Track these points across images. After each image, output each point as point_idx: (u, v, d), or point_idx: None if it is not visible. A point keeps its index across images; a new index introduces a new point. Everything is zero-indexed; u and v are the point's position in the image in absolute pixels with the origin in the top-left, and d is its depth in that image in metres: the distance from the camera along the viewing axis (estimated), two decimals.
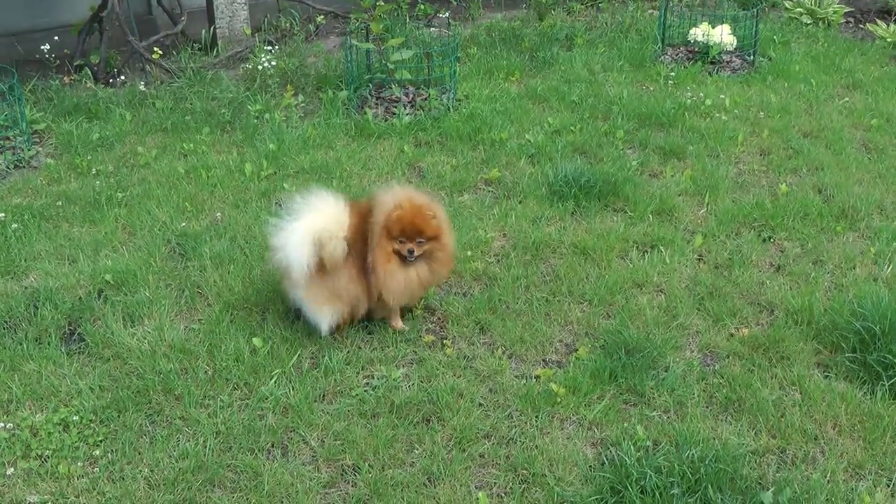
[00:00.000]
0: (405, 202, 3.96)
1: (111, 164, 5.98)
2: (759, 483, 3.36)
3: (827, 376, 3.94)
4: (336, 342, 4.13)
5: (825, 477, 3.39)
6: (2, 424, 3.62)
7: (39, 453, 3.53)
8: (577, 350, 4.08)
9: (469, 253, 4.82)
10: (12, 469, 3.45)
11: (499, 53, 8.12)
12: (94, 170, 5.88)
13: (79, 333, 4.25)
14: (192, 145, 6.19)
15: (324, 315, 4.03)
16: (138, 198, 5.46)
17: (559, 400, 3.76)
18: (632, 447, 3.49)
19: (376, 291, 4.04)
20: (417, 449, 3.54)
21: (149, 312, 4.37)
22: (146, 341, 4.15)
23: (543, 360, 4.07)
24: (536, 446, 3.54)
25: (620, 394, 3.82)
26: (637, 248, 4.93)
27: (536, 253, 4.85)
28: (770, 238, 5.05)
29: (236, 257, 4.78)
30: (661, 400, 3.79)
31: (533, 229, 5.07)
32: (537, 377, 3.92)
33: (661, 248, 4.90)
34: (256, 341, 4.08)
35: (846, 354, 4.00)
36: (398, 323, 4.24)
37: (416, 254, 3.98)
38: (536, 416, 3.70)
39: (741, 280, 4.62)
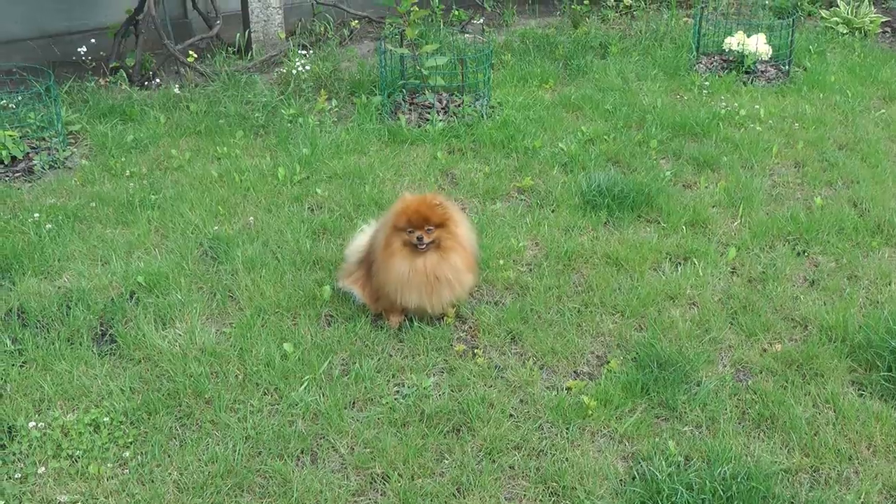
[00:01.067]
0: (408, 197, 4.07)
1: (145, 167, 6.00)
2: (792, 503, 3.32)
3: (861, 395, 3.88)
4: (367, 348, 4.13)
5: (859, 498, 3.34)
6: (33, 423, 3.64)
7: (70, 453, 3.54)
8: (609, 362, 4.05)
9: (501, 262, 4.79)
10: (43, 468, 3.46)
11: (533, 60, 8.10)
12: (127, 172, 5.91)
13: (110, 334, 4.27)
14: (225, 149, 6.21)
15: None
16: (171, 200, 5.48)
17: (590, 412, 3.72)
18: (663, 462, 3.45)
19: (377, 283, 4.16)
20: (447, 459, 3.52)
21: (180, 315, 4.38)
22: (177, 344, 4.16)
23: (575, 372, 4.03)
24: (567, 459, 3.51)
25: (652, 408, 3.79)
26: (670, 259, 4.89)
27: (569, 263, 4.82)
28: (804, 252, 4.99)
29: (268, 262, 4.78)
30: (693, 415, 3.74)
31: (565, 239, 5.04)
32: (568, 389, 3.89)
33: (695, 260, 4.85)
34: (287, 346, 4.08)
35: (881, 373, 3.94)
36: (393, 319, 4.27)
37: (426, 241, 3.99)
38: (567, 429, 3.67)
39: (775, 294, 4.57)
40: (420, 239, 3.99)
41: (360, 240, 4.49)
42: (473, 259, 4.21)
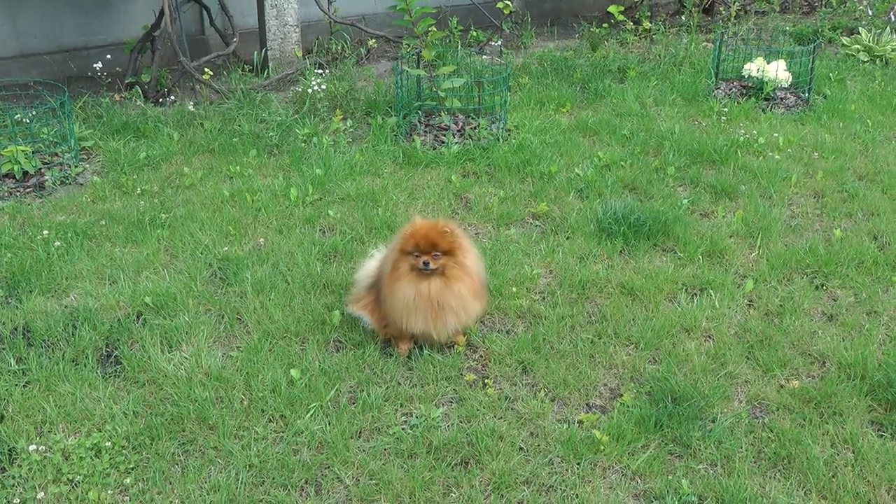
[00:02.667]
0: (418, 221, 4.02)
1: (156, 184, 5.98)
2: None
3: (882, 435, 3.79)
4: (375, 376, 4.07)
5: None
6: (34, 447, 3.59)
7: (70, 478, 3.48)
8: (622, 395, 3.97)
9: (514, 289, 4.73)
10: (43, 493, 3.40)
11: (550, 84, 8.06)
12: (139, 189, 5.89)
13: (116, 356, 4.22)
14: (238, 168, 6.18)
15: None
16: (182, 219, 5.45)
17: (602, 447, 3.64)
18: (676, 501, 3.37)
19: (384, 309, 4.13)
20: (455, 493, 3.45)
21: (187, 338, 4.33)
22: (183, 367, 4.11)
23: (587, 405, 3.96)
24: (577, 496, 3.43)
25: (665, 444, 3.70)
26: (686, 290, 4.82)
27: (583, 292, 4.76)
28: (823, 286, 4.90)
29: (278, 285, 4.74)
30: (707, 452, 3.66)
31: (580, 267, 4.97)
32: (580, 422, 3.81)
33: (711, 291, 4.78)
34: (294, 373, 4.03)
35: None
36: (402, 346, 4.22)
37: (431, 266, 3.94)
38: (578, 464, 3.59)
39: (792, 329, 4.48)
40: (426, 264, 3.94)
41: (371, 264, 4.44)
42: (481, 287, 4.15)
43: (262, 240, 5.25)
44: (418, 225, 3.99)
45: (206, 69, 7.49)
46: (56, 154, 6.29)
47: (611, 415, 3.86)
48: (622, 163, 6.38)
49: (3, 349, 4.24)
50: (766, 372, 4.18)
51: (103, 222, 5.41)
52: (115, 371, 4.11)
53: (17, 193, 5.84)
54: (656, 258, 5.14)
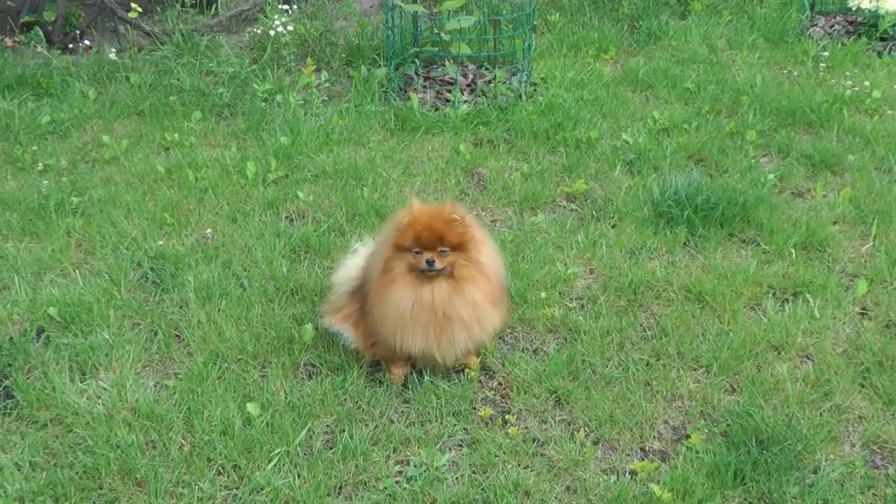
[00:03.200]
0: (416, 206, 3.97)
1: (65, 158, 5.97)
2: None
3: None
4: (360, 411, 4.05)
5: None
6: None
7: None
8: (689, 436, 3.93)
9: (543, 294, 4.72)
10: None
11: (588, 22, 8.05)
12: (40, 164, 5.89)
13: (6, 387, 4.19)
14: (176, 135, 6.19)
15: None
16: (100, 204, 5.43)
17: None
18: None
19: (372, 321, 4.10)
20: None
21: (106, 361, 4.30)
22: (100, 401, 4.07)
23: (641, 450, 3.92)
24: None
25: (750, 503, 3.65)
26: (774, 295, 4.79)
27: (634, 297, 4.74)
28: None
29: (230, 290, 4.73)
30: None
31: (630, 264, 4.96)
32: (633, 473, 3.77)
33: (808, 296, 4.74)
34: (252, 408, 4.00)
35: None
36: (395, 370, 4.23)
37: (438, 266, 3.89)
38: None
39: None
40: (431, 263, 3.88)
41: (354, 263, 4.41)
42: (500, 292, 4.12)
43: (209, 231, 5.26)
44: (418, 212, 3.93)
45: (132, 4, 7.45)
46: None
47: (674, 463, 3.82)
48: (685, 126, 6.37)
49: None
50: (889, 404, 4.12)
51: None
52: (5, 408, 4.07)
53: None
54: (732, 252, 5.12)
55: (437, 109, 6.53)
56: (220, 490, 3.69)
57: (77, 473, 3.73)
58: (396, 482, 3.72)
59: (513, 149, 6.12)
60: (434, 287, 3.93)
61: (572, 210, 5.50)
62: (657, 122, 6.41)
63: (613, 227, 5.32)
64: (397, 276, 3.95)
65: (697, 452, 3.85)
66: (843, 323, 4.61)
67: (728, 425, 3.99)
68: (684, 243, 5.18)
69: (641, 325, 4.60)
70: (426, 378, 4.17)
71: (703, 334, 4.52)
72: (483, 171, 5.85)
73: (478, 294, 3.98)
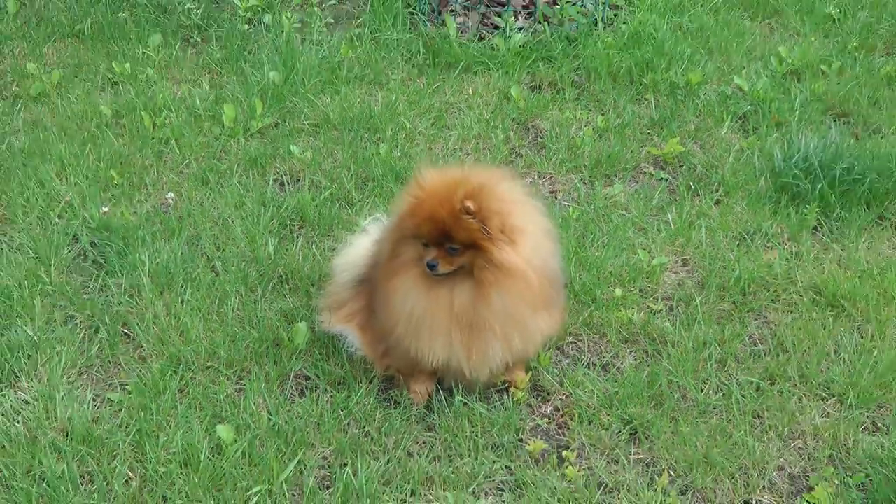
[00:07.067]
0: (429, 178, 3.91)
1: None
2: None
3: None
4: (368, 440, 4.10)
5: None
6: None
7: None
8: (812, 489, 3.97)
9: (618, 292, 4.77)
10: None
11: None
12: None
13: None
14: (127, 66, 6.26)
15: None
16: (23, 156, 5.53)
17: None
18: None
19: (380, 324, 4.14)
20: None
21: (29, 367, 4.40)
22: (20, 418, 4.17)
23: (745, 503, 4.01)
24: None
25: None
26: None
27: (743, 300, 4.80)
28: None
29: (198, 276, 4.81)
30: None
31: (738, 255, 5.01)
32: None
33: None
34: (224, 431, 4.06)
35: None
36: (415, 387, 4.28)
37: (441, 271, 3.88)
38: None
39: None
40: (432, 266, 3.87)
41: (361, 245, 4.47)
42: (552, 289, 4.11)
43: (170, 195, 5.33)
44: (429, 188, 3.90)
45: None
46: None
47: None
48: (823, 67, 6.39)
49: None
50: None
51: None
52: None
53: None
54: (882, 242, 5.16)
55: (481, 39, 6.58)
56: None
57: None
58: None
59: (583, 95, 6.17)
60: (454, 288, 3.94)
61: (661, 179, 5.56)
62: (784, 61, 6.42)
63: (717, 203, 5.37)
64: (406, 264, 3.98)
65: None
66: None
67: (867, 475, 4.02)
68: (814, 228, 5.22)
69: (751, 337, 4.64)
70: (457, 398, 4.21)
71: (835, 352, 4.56)
72: (542, 125, 5.90)
73: (510, 299, 3.93)
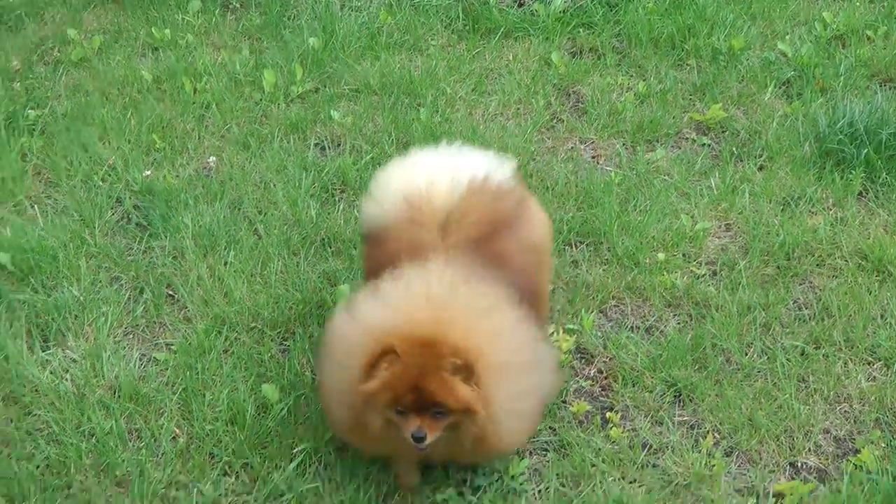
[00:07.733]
0: (397, 334, 3.38)
1: (17, 58, 6.08)
2: None
3: None
4: None
5: None
6: None
7: None
8: (858, 451, 3.98)
9: (661, 256, 4.78)
10: None
11: None
12: None
13: None
14: (167, 32, 6.29)
15: None
16: (66, 120, 5.55)
17: None
18: None
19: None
20: None
21: (76, 326, 4.42)
22: (68, 376, 4.20)
23: (791, 465, 3.99)
24: None
25: None
26: None
27: (787, 264, 4.79)
28: None
29: (241, 238, 4.84)
30: None
31: (783, 220, 5.01)
32: (778, 496, 3.84)
33: None
34: (269, 390, 4.09)
35: None
36: (403, 478, 3.87)
37: (430, 440, 3.44)
38: None
39: None
40: (419, 440, 3.43)
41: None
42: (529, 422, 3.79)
43: (212, 159, 5.36)
44: (401, 348, 3.34)
45: None
46: None
47: (836, 485, 3.87)
48: (869, 32, 6.38)
49: None
50: None
51: None
52: None
53: None
54: None
55: (521, 5, 6.57)
56: (226, 495, 3.80)
57: (38, 467, 3.84)
58: (460, 494, 3.80)
59: (624, 60, 6.18)
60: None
61: (704, 145, 5.56)
62: (828, 26, 6.41)
63: (761, 168, 5.37)
64: (375, 433, 3.53)
65: (870, 473, 3.88)
66: None
67: None
68: (860, 193, 5.21)
69: (796, 302, 4.65)
70: None
71: (882, 316, 4.56)
72: (583, 90, 5.91)
73: (494, 441, 3.54)
